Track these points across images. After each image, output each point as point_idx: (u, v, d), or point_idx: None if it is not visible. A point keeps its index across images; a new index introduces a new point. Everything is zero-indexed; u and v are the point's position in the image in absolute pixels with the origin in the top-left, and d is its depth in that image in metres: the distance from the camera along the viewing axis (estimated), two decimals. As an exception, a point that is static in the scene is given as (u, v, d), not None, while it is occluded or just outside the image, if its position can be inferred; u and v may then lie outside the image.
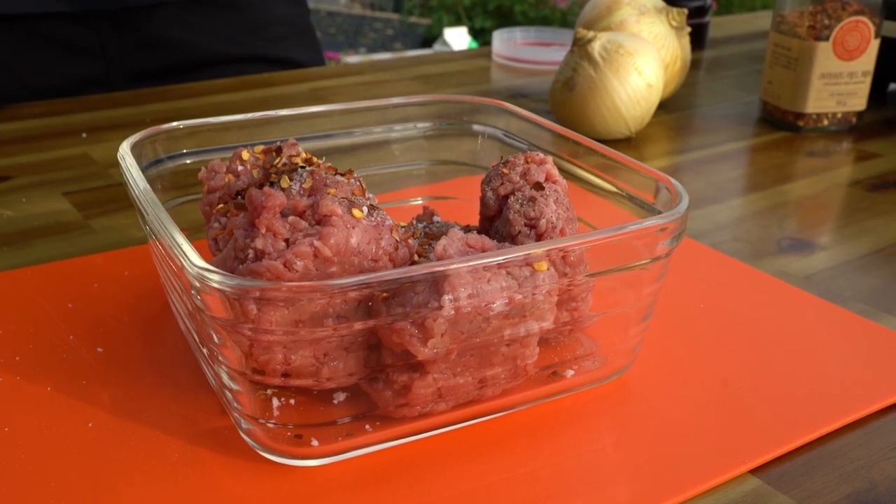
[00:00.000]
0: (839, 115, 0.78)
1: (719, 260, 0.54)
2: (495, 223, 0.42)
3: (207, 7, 0.91)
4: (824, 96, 0.77)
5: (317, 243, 0.33)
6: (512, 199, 0.41)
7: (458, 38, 3.91)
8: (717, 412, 0.39)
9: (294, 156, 0.42)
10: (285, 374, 0.34)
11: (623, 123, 0.72)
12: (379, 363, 0.35)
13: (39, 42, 0.84)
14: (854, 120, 0.79)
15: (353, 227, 0.34)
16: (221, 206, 0.40)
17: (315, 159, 0.42)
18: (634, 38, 0.72)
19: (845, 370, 0.42)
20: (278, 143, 0.43)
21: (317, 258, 0.34)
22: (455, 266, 0.32)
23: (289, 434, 0.35)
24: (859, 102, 0.78)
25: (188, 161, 0.47)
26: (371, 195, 0.39)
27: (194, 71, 0.92)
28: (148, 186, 0.38)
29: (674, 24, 0.81)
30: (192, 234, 0.36)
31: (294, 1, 1.00)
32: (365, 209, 0.35)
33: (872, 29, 0.75)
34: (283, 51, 0.97)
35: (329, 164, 0.41)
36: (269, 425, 0.35)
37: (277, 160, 0.42)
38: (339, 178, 0.37)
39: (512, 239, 0.40)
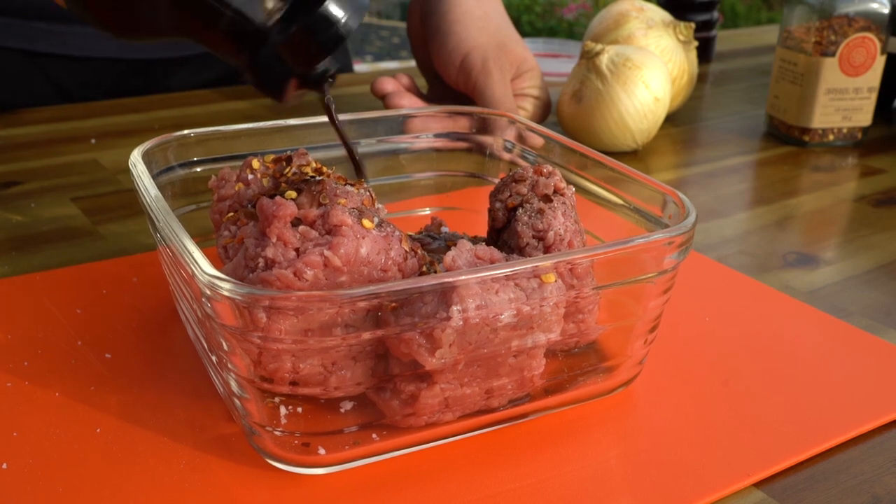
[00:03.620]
0: (845, 131, 0.78)
1: (725, 273, 0.54)
2: (503, 235, 0.42)
3: None
4: (830, 111, 0.77)
5: (327, 253, 0.34)
6: (520, 210, 0.41)
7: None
8: (721, 425, 0.39)
9: (304, 165, 0.42)
10: (293, 383, 0.34)
11: (630, 136, 0.72)
12: (386, 373, 0.35)
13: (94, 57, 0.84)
14: (859, 135, 0.79)
15: (363, 238, 0.34)
16: (231, 214, 0.40)
17: (325, 169, 0.42)
18: (642, 51, 0.73)
19: (850, 385, 0.43)
20: (288, 153, 0.43)
21: (327, 268, 0.34)
22: (464, 277, 0.32)
23: (296, 442, 0.35)
24: (865, 118, 0.78)
25: (198, 169, 0.47)
26: (380, 205, 0.39)
27: (238, 79, 0.92)
28: (159, 194, 0.38)
29: (681, 37, 0.81)
30: (200, 241, 0.36)
31: None
32: (375, 219, 0.36)
33: (878, 45, 0.75)
34: None
35: (339, 174, 0.41)
36: (277, 433, 0.35)
37: (287, 169, 0.42)
38: (349, 188, 0.37)
39: (520, 251, 0.40)
